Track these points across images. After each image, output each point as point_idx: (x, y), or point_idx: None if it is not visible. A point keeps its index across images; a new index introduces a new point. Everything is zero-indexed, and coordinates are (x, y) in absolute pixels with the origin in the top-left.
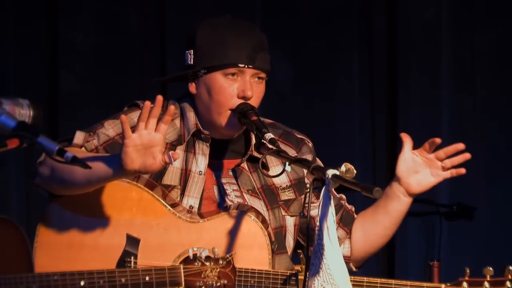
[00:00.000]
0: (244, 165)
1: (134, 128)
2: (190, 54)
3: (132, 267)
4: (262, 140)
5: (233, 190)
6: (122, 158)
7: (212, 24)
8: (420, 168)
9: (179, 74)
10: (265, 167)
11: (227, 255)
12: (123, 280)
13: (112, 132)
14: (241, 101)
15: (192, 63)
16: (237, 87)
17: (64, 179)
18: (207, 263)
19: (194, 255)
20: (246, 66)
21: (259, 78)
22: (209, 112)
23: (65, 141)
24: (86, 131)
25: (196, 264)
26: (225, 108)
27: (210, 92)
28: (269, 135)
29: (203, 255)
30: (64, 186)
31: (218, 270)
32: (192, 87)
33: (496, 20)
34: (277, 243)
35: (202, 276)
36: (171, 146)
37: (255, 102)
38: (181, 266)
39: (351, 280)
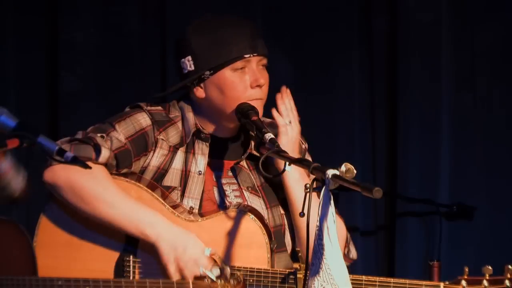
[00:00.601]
0: (244, 163)
1: (140, 131)
2: (188, 61)
3: (131, 265)
4: (262, 141)
5: (233, 190)
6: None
7: (202, 26)
8: None
9: (182, 84)
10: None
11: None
12: None
13: (123, 137)
14: (256, 90)
15: (193, 68)
16: (248, 78)
17: (83, 209)
18: (218, 281)
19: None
20: (251, 55)
21: (262, 64)
22: (224, 109)
23: (82, 142)
24: (99, 133)
25: (206, 281)
26: (241, 101)
27: (223, 90)
28: (269, 135)
29: (214, 273)
30: (77, 209)
31: None
32: (200, 92)
33: (496, 19)
34: (276, 241)
35: None
36: (174, 149)
37: (266, 89)
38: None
39: (349, 279)
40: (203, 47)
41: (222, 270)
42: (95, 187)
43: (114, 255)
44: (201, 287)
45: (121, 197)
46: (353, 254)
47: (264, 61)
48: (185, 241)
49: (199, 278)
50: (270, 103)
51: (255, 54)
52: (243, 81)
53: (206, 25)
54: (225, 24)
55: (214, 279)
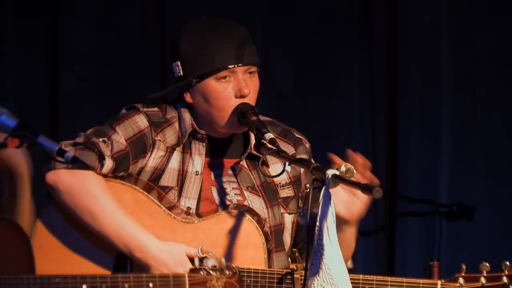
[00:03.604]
0: (243, 162)
1: (139, 133)
2: (177, 66)
3: (128, 268)
4: (262, 140)
5: (233, 188)
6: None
7: (192, 31)
8: (345, 194)
9: (173, 88)
10: (265, 166)
11: (234, 266)
12: (126, 285)
13: (123, 140)
14: (240, 100)
15: (182, 74)
16: (232, 87)
17: (79, 217)
18: (213, 273)
19: (200, 262)
20: (235, 65)
21: (250, 72)
22: (211, 117)
23: (86, 148)
24: (100, 137)
25: (202, 273)
26: (226, 111)
27: (207, 99)
28: (269, 135)
29: (209, 264)
30: (73, 215)
31: (224, 280)
32: (188, 97)
33: (496, 20)
34: (275, 241)
35: (207, 285)
36: (171, 149)
37: (252, 97)
38: (186, 275)
39: None
40: (190, 54)
41: (216, 261)
42: (93, 200)
43: (110, 258)
44: (197, 279)
45: (115, 214)
46: (348, 264)
47: (253, 69)
48: (175, 266)
49: (194, 271)
50: (271, 106)
51: (240, 65)
52: (228, 91)
53: (196, 30)
54: (213, 31)
55: (210, 270)
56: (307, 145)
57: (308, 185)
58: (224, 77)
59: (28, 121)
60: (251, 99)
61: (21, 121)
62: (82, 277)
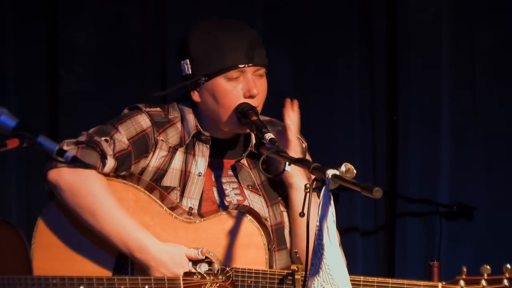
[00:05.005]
0: (244, 161)
1: (141, 133)
2: (186, 64)
3: (128, 268)
4: (262, 140)
5: (233, 188)
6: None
7: (202, 30)
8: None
9: (180, 86)
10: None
11: (227, 269)
12: (122, 287)
13: (125, 139)
14: (249, 100)
15: (190, 72)
16: (241, 87)
17: (80, 215)
18: (207, 277)
19: (196, 262)
20: (246, 65)
21: (259, 74)
22: (218, 116)
23: (88, 147)
24: (103, 136)
25: (196, 276)
26: (233, 110)
27: (215, 97)
28: (269, 135)
29: (202, 269)
30: (74, 213)
31: (218, 284)
32: (196, 96)
33: (497, 19)
34: (277, 239)
35: None
36: (173, 149)
37: (261, 98)
38: (181, 278)
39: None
40: (200, 53)
41: (210, 266)
42: (94, 200)
43: (112, 257)
44: (192, 282)
45: (116, 214)
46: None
47: (262, 70)
48: (175, 267)
49: (189, 274)
50: (271, 105)
51: (250, 65)
52: (236, 90)
53: (207, 29)
54: (225, 30)
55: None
56: (304, 145)
57: (308, 185)
58: (235, 77)
59: (28, 121)
60: (259, 100)
61: (21, 121)
62: (79, 279)
